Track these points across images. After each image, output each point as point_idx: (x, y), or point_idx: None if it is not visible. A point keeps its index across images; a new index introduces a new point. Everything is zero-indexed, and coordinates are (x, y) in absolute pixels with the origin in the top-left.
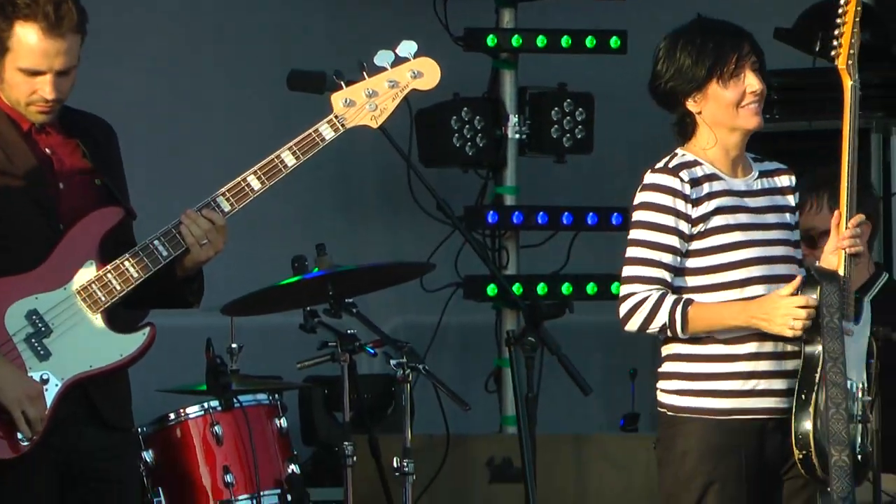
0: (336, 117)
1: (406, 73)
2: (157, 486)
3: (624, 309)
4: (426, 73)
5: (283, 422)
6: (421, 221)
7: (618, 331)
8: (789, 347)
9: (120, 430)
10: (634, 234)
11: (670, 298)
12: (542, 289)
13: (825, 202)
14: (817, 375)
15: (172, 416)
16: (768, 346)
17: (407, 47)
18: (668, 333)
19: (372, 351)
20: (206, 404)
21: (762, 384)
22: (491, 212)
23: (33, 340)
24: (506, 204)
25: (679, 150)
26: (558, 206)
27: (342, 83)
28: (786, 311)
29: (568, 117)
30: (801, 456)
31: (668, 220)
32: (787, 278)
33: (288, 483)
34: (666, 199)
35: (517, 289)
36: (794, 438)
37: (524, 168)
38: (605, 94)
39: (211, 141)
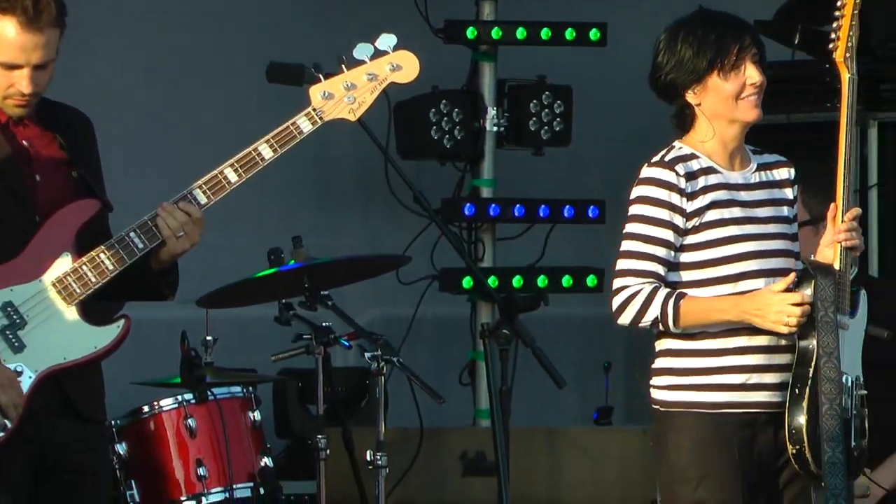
0: (314, 110)
1: (385, 66)
2: (130, 479)
3: (617, 302)
4: (405, 67)
5: (256, 415)
6: (397, 214)
7: (592, 324)
8: (782, 341)
9: (93, 422)
10: (629, 227)
11: (662, 292)
12: (517, 281)
13: (799, 195)
14: (811, 370)
15: (146, 408)
16: (760, 340)
17: (386, 40)
18: (661, 327)
19: (346, 343)
20: (179, 397)
21: (754, 378)
22: (468, 204)
23: (7, 332)
24: (482, 196)
25: (676, 143)
26: (535, 199)
27: (321, 76)
28: (779, 307)
29: (546, 110)
30: (794, 451)
31: (663, 213)
32: (783, 272)
33: (261, 476)
34: (661, 193)
35: (493, 281)
36: (787, 433)
37: (502, 161)
38: (585, 87)
39: (188, 133)
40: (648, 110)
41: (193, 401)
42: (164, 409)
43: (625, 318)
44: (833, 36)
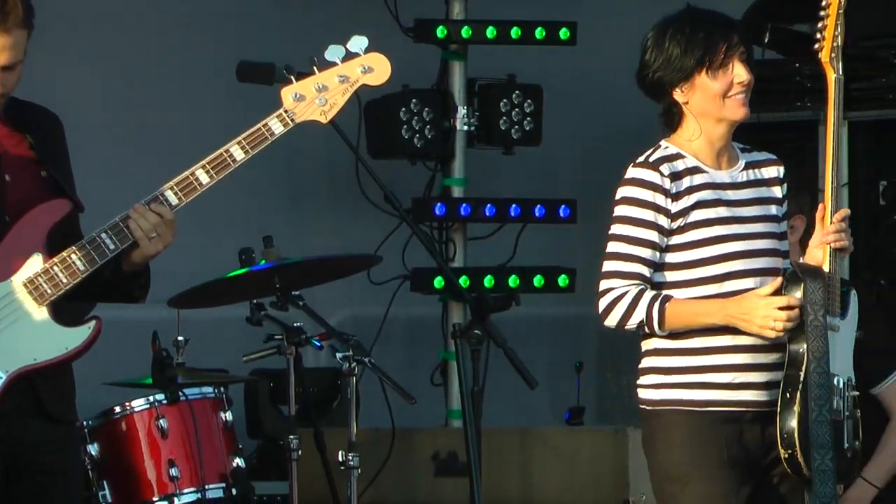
0: (285, 112)
1: (356, 68)
2: (102, 480)
3: (603, 304)
4: (377, 69)
5: (228, 415)
6: (368, 213)
7: (564, 324)
8: (768, 340)
9: (64, 422)
10: (614, 228)
11: (648, 295)
12: (488, 281)
13: None
14: (802, 374)
15: (118, 409)
16: (746, 339)
17: (358, 42)
18: (647, 330)
19: (318, 344)
20: (151, 397)
21: (740, 377)
22: (438, 204)
23: None
24: (453, 196)
25: (663, 142)
26: (506, 199)
27: (292, 77)
28: (765, 311)
29: (516, 109)
30: (786, 455)
31: (648, 214)
32: (770, 272)
33: (233, 477)
34: (645, 194)
35: (464, 281)
36: (779, 437)
37: (472, 160)
38: (555, 86)
39: (159, 132)
40: (619, 109)
41: (165, 401)
42: (136, 409)
43: (611, 321)
44: (818, 36)
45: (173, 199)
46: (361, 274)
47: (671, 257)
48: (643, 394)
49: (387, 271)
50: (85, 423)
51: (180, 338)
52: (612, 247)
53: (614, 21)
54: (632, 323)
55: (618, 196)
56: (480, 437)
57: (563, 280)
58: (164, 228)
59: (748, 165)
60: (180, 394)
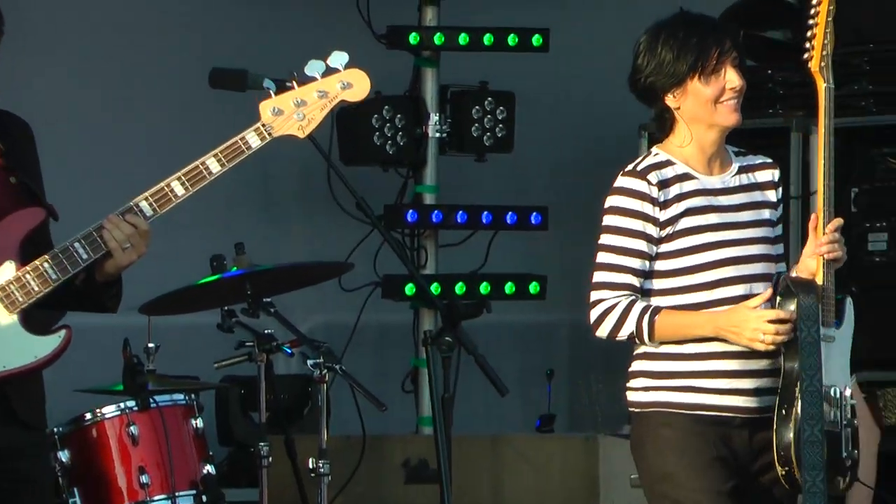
0: (263, 126)
1: (336, 83)
2: (72, 487)
3: (594, 315)
4: (356, 85)
5: (199, 422)
6: (340, 220)
7: (535, 331)
8: None
9: (34, 429)
10: (603, 238)
11: (638, 307)
12: (460, 288)
13: None
14: (797, 391)
15: (89, 415)
16: (736, 346)
17: (338, 58)
18: (637, 342)
19: (289, 351)
20: (122, 404)
21: (730, 383)
22: (410, 211)
23: None
24: (425, 203)
25: (654, 149)
26: (478, 206)
27: (272, 92)
28: (755, 324)
29: (489, 116)
30: (784, 472)
31: (636, 224)
32: (761, 277)
33: (203, 484)
34: (633, 203)
35: (435, 288)
36: (776, 455)
37: (444, 167)
38: (527, 93)
39: (131, 139)
40: (591, 117)
41: (136, 408)
42: (107, 416)
43: (602, 332)
44: (807, 45)
45: (148, 210)
46: (333, 281)
47: (661, 265)
48: (632, 396)
49: (358, 278)
50: (55, 429)
51: (151, 344)
52: (601, 257)
53: (587, 28)
54: (622, 334)
55: (606, 205)
56: (451, 444)
57: (534, 287)
58: (138, 239)
59: (742, 169)
60: (151, 400)
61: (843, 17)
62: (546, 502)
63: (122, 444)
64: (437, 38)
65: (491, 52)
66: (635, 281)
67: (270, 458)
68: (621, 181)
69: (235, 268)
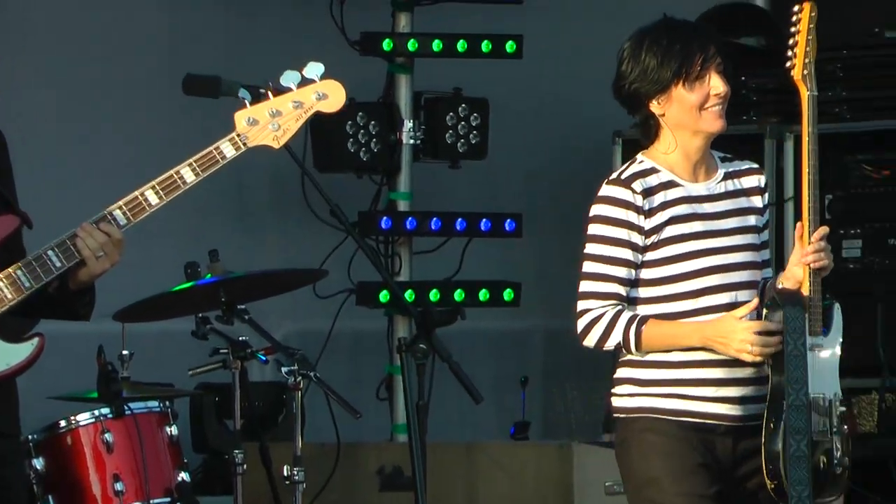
0: (238, 136)
1: (311, 94)
2: (47, 494)
3: (581, 325)
4: (331, 96)
5: (173, 429)
6: (314, 227)
7: (509, 338)
8: None
9: (9, 436)
10: (589, 248)
11: (625, 316)
12: (434, 295)
13: None
14: (785, 404)
15: (63, 423)
16: (722, 354)
17: (314, 69)
18: (624, 351)
19: (263, 358)
20: (96, 412)
21: (715, 391)
22: (384, 218)
23: None
24: (399, 210)
25: (639, 156)
26: (452, 213)
27: (247, 102)
28: (743, 335)
29: (462, 122)
30: (773, 486)
31: (622, 233)
32: (746, 285)
33: (178, 491)
34: (618, 212)
35: (409, 295)
36: (765, 468)
37: (418, 174)
38: (501, 100)
39: (105, 147)
40: (565, 123)
41: (110, 415)
42: (81, 423)
43: (589, 342)
44: (789, 53)
45: (122, 219)
46: (307, 288)
47: (646, 273)
48: (617, 402)
49: (332, 285)
50: (30, 436)
51: (125, 352)
52: (587, 266)
53: (561, 35)
54: (609, 344)
55: (591, 214)
56: (426, 451)
57: (508, 294)
58: (112, 248)
59: (727, 175)
60: (125, 408)
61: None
62: None
63: (96, 451)
64: (411, 45)
65: (464, 59)
66: (622, 290)
67: (245, 466)
68: (606, 190)
69: (210, 275)
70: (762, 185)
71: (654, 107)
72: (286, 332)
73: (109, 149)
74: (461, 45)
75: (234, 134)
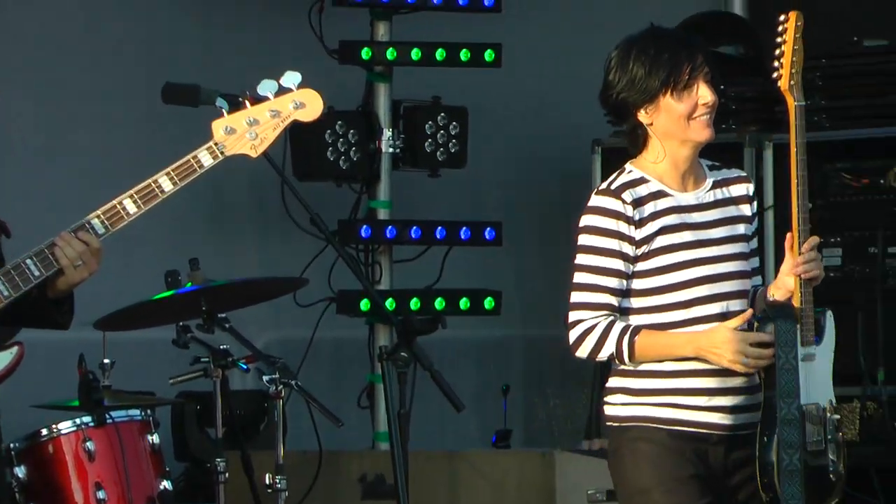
0: (216, 144)
1: (288, 103)
2: (29, 502)
3: (573, 336)
4: (309, 105)
5: (155, 438)
6: (294, 236)
7: (490, 346)
8: None
9: None
10: (579, 258)
11: (618, 327)
12: (414, 304)
13: None
14: (778, 418)
15: (45, 431)
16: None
17: (291, 78)
18: (617, 362)
19: (244, 367)
20: (78, 420)
21: (708, 401)
22: (364, 226)
23: None
24: (379, 218)
25: (627, 166)
26: (431, 221)
27: (224, 111)
28: (738, 347)
29: (442, 131)
30: (768, 499)
31: (612, 243)
32: (737, 294)
33: (160, 499)
34: (608, 223)
35: (390, 304)
36: (759, 481)
37: (398, 182)
38: (480, 108)
39: (84, 156)
40: (544, 131)
41: (92, 424)
42: (63, 432)
43: (581, 352)
44: (776, 64)
45: (100, 228)
46: (288, 296)
47: (637, 284)
48: (610, 411)
49: (313, 294)
50: (11, 445)
51: (107, 360)
52: (578, 277)
53: (539, 43)
54: (602, 355)
55: (581, 225)
56: (407, 459)
57: (489, 302)
58: (90, 257)
59: (716, 184)
60: (107, 416)
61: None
62: None
63: (78, 459)
64: (390, 53)
65: (443, 67)
66: (613, 300)
67: (227, 474)
68: (595, 200)
69: (190, 283)
70: (750, 193)
71: (642, 116)
72: (267, 340)
73: (87, 157)
74: (440, 54)
75: (211, 143)
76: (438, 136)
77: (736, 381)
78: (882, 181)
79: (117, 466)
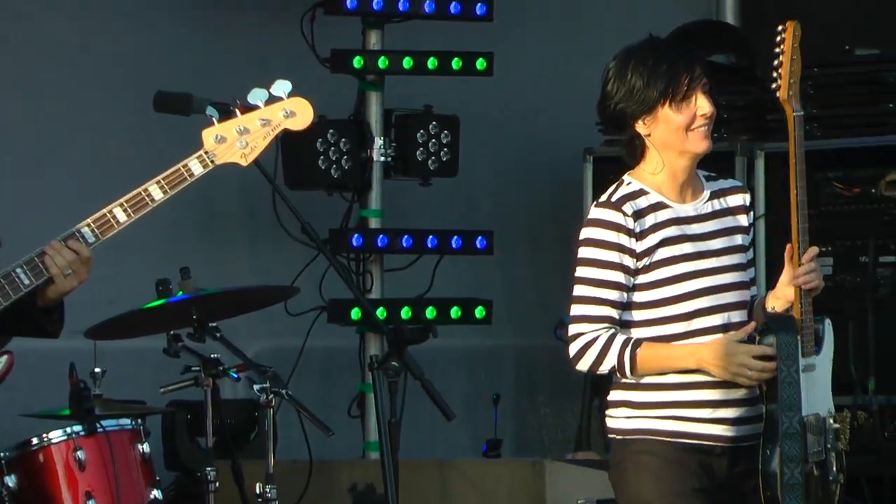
0: (206, 153)
1: (279, 112)
2: None
3: (574, 349)
4: (299, 113)
5: (146, 447)
6: (286, 244)
7: (481, 356)
8: None
9: None
10: (580, 271)
11: (619, 340)
12: (405, 313)
13: None
14: (779, 431)
15: (35, 440)
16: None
17: (281, 87)
18: (619, 375)
19: (235, 376)
20: (69, 429)
21: (711, 413)
22: (355, 235)
23: None
24: (370, 227)
25: (626, 177)
26: (423, 230)
27: (215, 120)
28: (741, 360)
29: (433, 140)
30: None
31: (613, 256)
32: (737, 306)
33: None
34: (609, 235)
35: (381, 313)
36: (762, 495)
37: (389, 191)
38: (472, 117)
39: (74, 164)
40: (535, 140)
41: (82, 433)
42: (53, 441)
43: (582, 365)
44: (774, 74)
45: (90, 237)
46: (279, 305)
47: (638, 296)
48: (613, 423)
49: (304, 302)
50: (2, 454)
51: (97, 369)
52: (579, 290)
53: (531, 52)
54: (603, 368)
55: (581, 237)
56: (398, 469)
57: (479, 312)
58: (80, 265)
59: (713, 195)
60: (98, 425)
61: None
62: None
63: (68, 469)
64: (382, 62)
65: (435, 76)
66: (614, 313)
67: (217, 483)
68: (596, 212)
69: (181, 292)
70: (747, 203)
71: (640, 127)
72: (258, 349)
73: (78, 166)
74: (432, 63)
75: (202, 151)
76: (430, 144)
77: (738, 393)
78: (873, 190)
79: (108, 475)
